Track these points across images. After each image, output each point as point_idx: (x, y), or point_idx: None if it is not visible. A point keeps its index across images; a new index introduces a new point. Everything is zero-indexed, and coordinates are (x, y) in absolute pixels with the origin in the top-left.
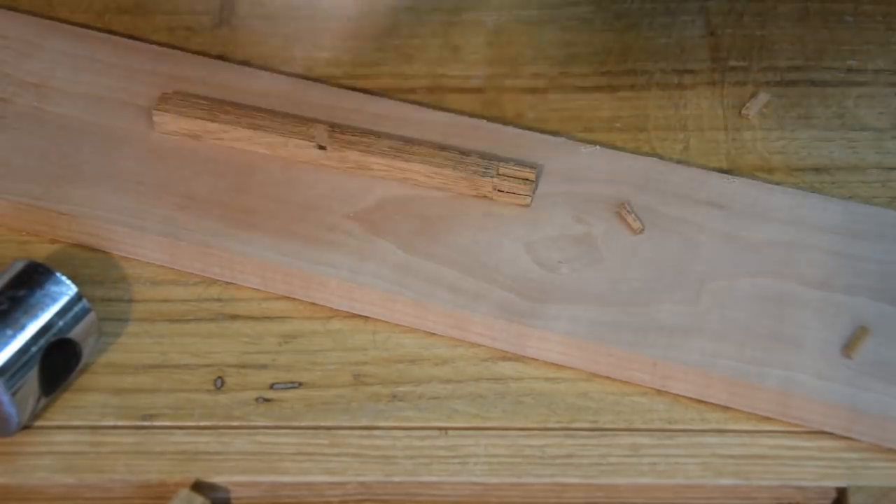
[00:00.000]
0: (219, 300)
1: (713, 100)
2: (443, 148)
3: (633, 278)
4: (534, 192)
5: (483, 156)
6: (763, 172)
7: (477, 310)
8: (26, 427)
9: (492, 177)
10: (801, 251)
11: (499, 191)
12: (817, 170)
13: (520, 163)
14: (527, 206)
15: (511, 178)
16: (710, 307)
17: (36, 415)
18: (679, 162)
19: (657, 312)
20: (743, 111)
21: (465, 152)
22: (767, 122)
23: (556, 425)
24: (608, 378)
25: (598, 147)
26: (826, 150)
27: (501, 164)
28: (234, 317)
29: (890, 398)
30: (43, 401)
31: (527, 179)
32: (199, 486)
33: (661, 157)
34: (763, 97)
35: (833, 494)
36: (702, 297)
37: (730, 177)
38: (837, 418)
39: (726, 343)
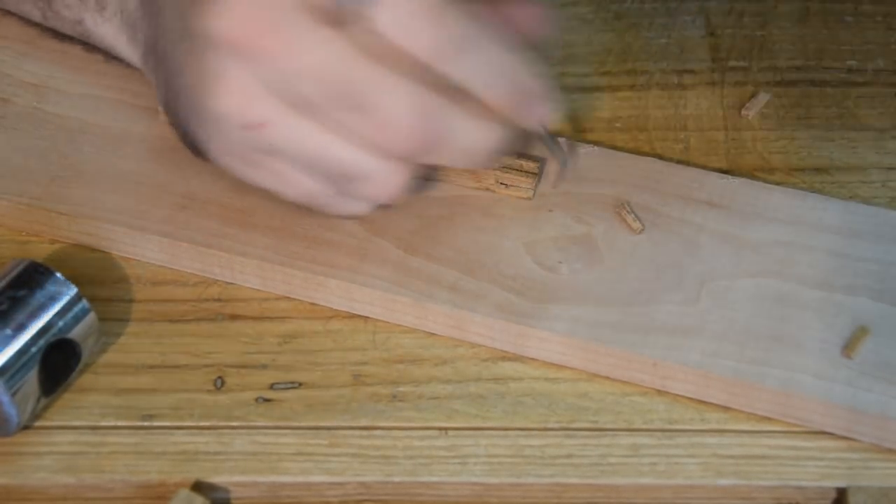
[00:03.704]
0: (219, 300)
1: (713, 100)
2: None
3: (633, 278)
4: (536, 186)
5: None
6: (763, 172)
7: (477, 310)
8: (26, 427)
9: (494, 168)
10: (801, 251)
11: (501, 184)
12: (817, 170)
13: (523, 155)
14: (529, 198)
15: (514, 171)
16: (710, 307)
17: (36, 415)
18: (679, 162)
19: (657, 312)
20: (743, 111)
21: None
22: (767, 122)
23: (556, 425)
24: (608, 378)
25: (596, 147)
26: (826, 150)
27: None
28: (234, 317)
29: (890, 398)
30: (43, 401)
31: (530, 172)
32: (199, 487)
33: (661, 157)
34: (763, 97)
35: (833, 494)
36: (702, 297)
37: (730, 177)
38: (837, 418)
39: (726, 343)
